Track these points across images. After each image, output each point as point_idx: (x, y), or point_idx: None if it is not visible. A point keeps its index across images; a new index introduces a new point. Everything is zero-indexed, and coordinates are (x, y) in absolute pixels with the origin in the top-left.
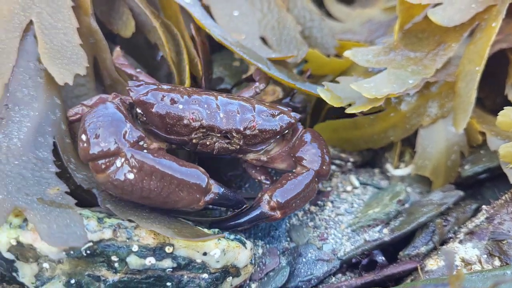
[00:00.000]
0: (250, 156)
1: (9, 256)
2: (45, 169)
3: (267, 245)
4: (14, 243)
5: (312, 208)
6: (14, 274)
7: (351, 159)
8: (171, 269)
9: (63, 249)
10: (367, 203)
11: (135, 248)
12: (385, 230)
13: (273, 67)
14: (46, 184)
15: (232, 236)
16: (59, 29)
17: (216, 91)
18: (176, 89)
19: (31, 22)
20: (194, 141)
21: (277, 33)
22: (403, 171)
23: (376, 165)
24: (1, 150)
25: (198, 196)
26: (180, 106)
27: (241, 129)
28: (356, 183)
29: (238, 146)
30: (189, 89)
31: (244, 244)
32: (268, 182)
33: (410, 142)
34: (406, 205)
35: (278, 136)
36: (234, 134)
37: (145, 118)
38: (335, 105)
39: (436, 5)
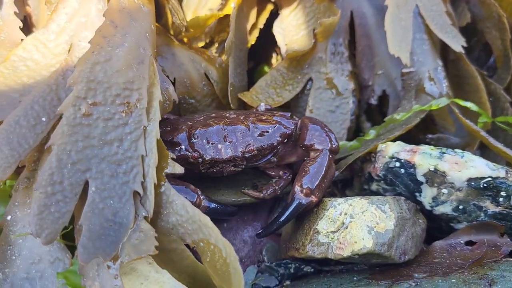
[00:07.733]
0: (260, 164)
1: (421, 179)
2: None
3: None
4: (432, 169)
5: None
6: (416, 193)
7: None
8: None
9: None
10: None
11: None
12: None
13: None
14: None
15: None
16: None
17: (224, 111)
18: (181, 122)
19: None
20: (203, 171)
21: None
22: None
23: None
24: None
25: None
26: (183, 147)
27: (240, 155)
28: None
29: (244, 166)
30: (194, 121)
31: None
32: (287, 176)
33: None
34: None
35: (280, 147)
36: (236, 160)
37: None
38: None
39: None
